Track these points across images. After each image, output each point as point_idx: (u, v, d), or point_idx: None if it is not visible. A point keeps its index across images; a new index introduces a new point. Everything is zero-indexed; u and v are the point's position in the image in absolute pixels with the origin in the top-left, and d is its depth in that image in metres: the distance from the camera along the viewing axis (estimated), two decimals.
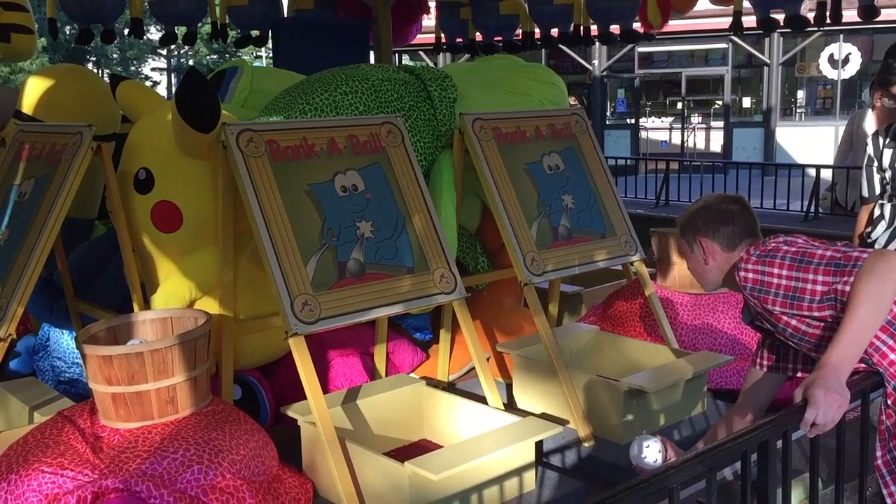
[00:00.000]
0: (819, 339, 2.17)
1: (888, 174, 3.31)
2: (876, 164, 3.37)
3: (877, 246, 3.35)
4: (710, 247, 2.40)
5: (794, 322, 2.19)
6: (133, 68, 31.46)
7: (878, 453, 2.14)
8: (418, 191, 3.14)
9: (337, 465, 2.52)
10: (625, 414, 3.05)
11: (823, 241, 2.27)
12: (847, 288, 1.98)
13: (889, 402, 2.11)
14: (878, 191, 3.38)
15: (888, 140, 3.32)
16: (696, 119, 19.11)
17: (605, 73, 18.39)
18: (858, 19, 5.39)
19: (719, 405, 3.37)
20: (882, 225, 3.35)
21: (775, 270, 2.15)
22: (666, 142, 18.85)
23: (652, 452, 2.41)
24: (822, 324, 2.14)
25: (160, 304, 2.96)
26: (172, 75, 31.89)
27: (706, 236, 2.40)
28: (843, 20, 5.45)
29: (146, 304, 3.06)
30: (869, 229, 3.39)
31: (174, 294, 2.96)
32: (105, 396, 2.38)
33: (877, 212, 3.38)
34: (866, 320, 1.93)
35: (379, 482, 2.52)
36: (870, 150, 3.39)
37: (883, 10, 5.42)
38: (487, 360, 3.59)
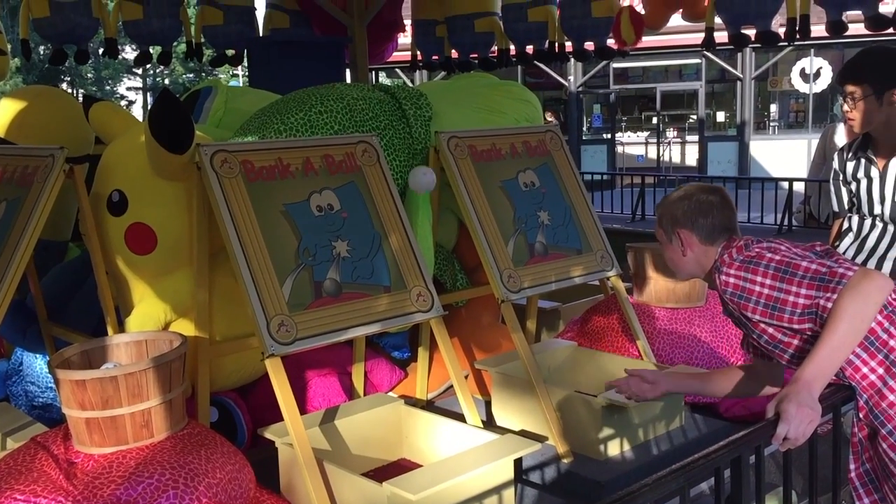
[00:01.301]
0: (795, 350, 2.18)
1: (853, 187, 3.36)
2: (841, 177, 3.42)
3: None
4: (688, 238, 2.37)
5: (770, 330, 2.19)
6: (108, 87, 31.31)
7: (852, 466, 2.15)
8: (394, 209, 3.15)
9: (315, 486, 2.50)
10: (603, 429, 3.05)
11: (805, 246, 2.27)
12: (829, 304, 1.98)
13: (861, 415, 2.13)
14: (846, 205, 3.43)
15: (850, 154, 3.37)
16: (671, 133, 19.30)
17: (580, 89, 18.53)
18: (828, 34, 5.48)
19: (697, 419, 3.39)
20: (849, 237, 3.39)
21: (758, 279, 2.14)
22: (642, 156, 19.01)
23: None
24: (800, 336, 2.15)
25: (135, 326, 2.93)
26: (148, 94, 31.77)
27: (685, 227, 2.37)
28: (813, 35, 5.54)
29: (121, 327, 3.03)
30: (838, 242, 3.43)
31: (149, 316, 2.94)
32: (79, 421, 2.35)
33: (845, 224, 3.43)
34: (844, 339, 1.93)
35: (357, 503, 2.50)
36: (835, 164, 3.44)
37: (851, 25, 5.50)
38: (466, 377, 3.59)
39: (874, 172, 3.27)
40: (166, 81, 31.58)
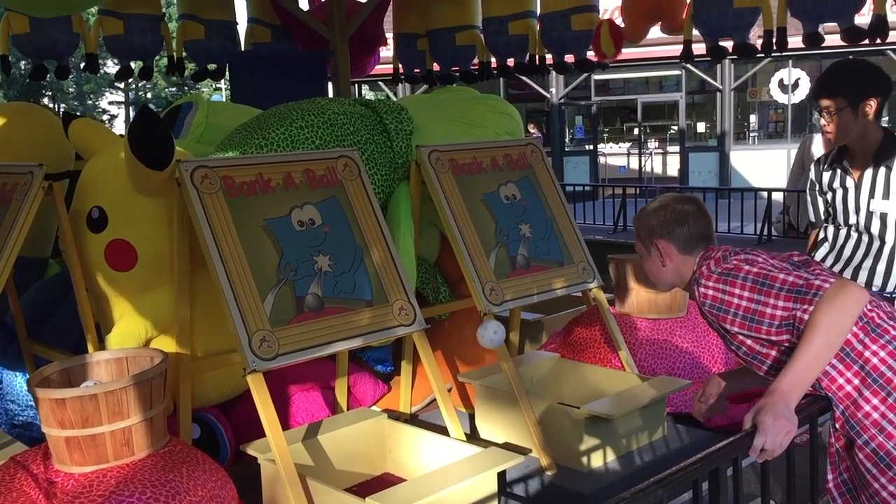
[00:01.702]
0: (773, 362, 2.20)
1: (829, 197, 3.40)
2: (818, 187, 3.46)
3: None
4: (666, 248, 2.39)
5: (749, 342, 2.21)
6: (90, 102, 31.19)
7: (829, 476, 2.17)
8: (376, 223, 3.15)
9: (297, 502, 2.49)
10: (586, 441, 3.06)
11: (782, 256, 2.29)
12: (806, 316, 2.00)
13: (837, 425, 2.14)
14: (822, 215, 3.47)
15: (826, 164, 3.42)
16: (653, 144, 19.42)
17: (562, 101, 18.63)
18: (804, 46, 5.55)
19: (680, 429, 3.40)
20: (825, 247, 3.43)
21: (736, 290, 2.15)
22: (624, 167, 19.11)
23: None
24: (778, 348, 2.16)
25: (115, 343, 2.92)
26: (131, 108, 31.66)
27: (662, 238, 2.39)
28: (790, 47, 5.60)
29: (101, 345, 3.01)
30: (814, 252, 3.47)
31: (129, 333, 2.93)
32: (58, 440, 2.33)
33: (821, 234, 3.47)
34: (820, 351, 1.95)
35: None
36: (812, 175, 3.48)
37: (827, 37, 5.57)
38: (449, 390, 3.59)
39: (849, 183, 3.31)
40: (149, 95, 31.50)
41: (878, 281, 3.27)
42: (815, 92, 3.28)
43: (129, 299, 3.00)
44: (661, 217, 2.40)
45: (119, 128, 29.59)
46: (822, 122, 3.23)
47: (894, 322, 2.14)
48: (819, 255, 3.43)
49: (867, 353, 2.10)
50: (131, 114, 31.68)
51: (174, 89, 30.92)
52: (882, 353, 2.08)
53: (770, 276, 2.12)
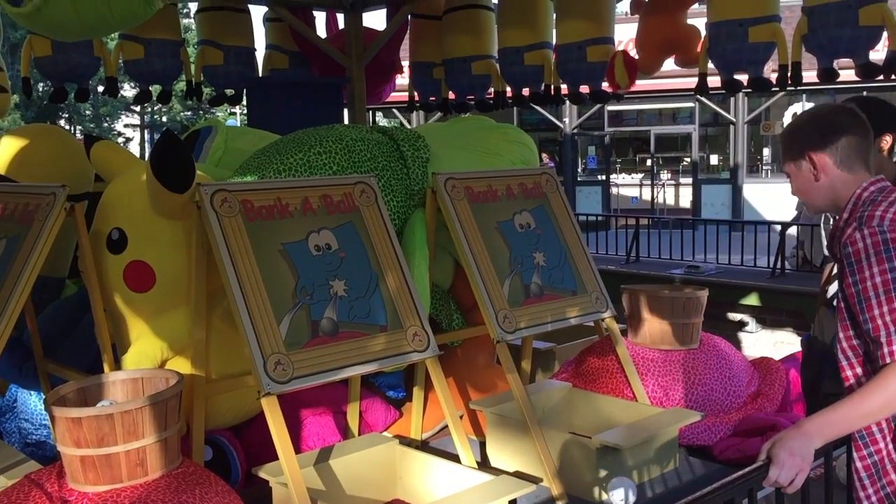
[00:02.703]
0: (854, 378, 2.05)
1: None
2: (832, 222, 3.47)
3: (836, 301, 3.42)
4: (820, 160, 2.13)
5: (849, 332, 2.05)
6: (106, 125, 31.51)
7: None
8: (391, 249, 3.17)
9: None
10: (598, 471, 3.05)
11: None
12: (889, 358, 1.81)
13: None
14: None
15: None
16: (665, 175, 19.44)
17: (575, 131, 18.70)
18: (819, 81, 5.57)
19: (692, 461, 3.39)
20: (838, 282, 3.42)
21: (884, 266, 1.91)
22: (636, 198, 19.13)
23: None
24: (864, 365, 2.00)
25: (131, 364, 2.94)
26: (146, 132, 31.96)
27: (816, 149, 2.13)
28: (805, 81, 5.63)
29: (117, 365, 3.03)
30: (828, 286, 3.47)
31: (145, 354, 2.95)
32: (73, 459, 2.35)
33: (835, 269, 3.46)
34: (872, 412, 1.82)
35: None
36: None
37: (842, 72, 5.59)
38: (461, 417, 3.59)
39: None
40: (164, 119, 31.81)
41: None
42: None
43: (146, 320, 3.02)
44: (816, 125, 2.15)
45: (134, 150, 29.87)
46: None
47: None
48: (832, 290, 3.43)
49: None
50: (146, 137, 31.98)
51: (189, 113, 31.22)
52: None
53: None
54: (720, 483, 1.64)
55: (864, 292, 1.92)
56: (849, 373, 2.09)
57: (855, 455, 2.02)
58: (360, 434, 3.36)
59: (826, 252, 3.55)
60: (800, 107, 16.89)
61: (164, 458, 2.42)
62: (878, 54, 5.02)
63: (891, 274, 1.89)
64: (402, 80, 8.26)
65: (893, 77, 5.10)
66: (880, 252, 1.91)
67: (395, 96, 9.08)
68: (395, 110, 18.47)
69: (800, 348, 4.03)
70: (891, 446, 1.96)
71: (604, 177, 19.20)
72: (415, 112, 9.42)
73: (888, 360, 1.83)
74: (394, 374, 3.73)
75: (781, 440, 1.79)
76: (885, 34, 4.98)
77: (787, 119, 17.21)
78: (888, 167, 3.23)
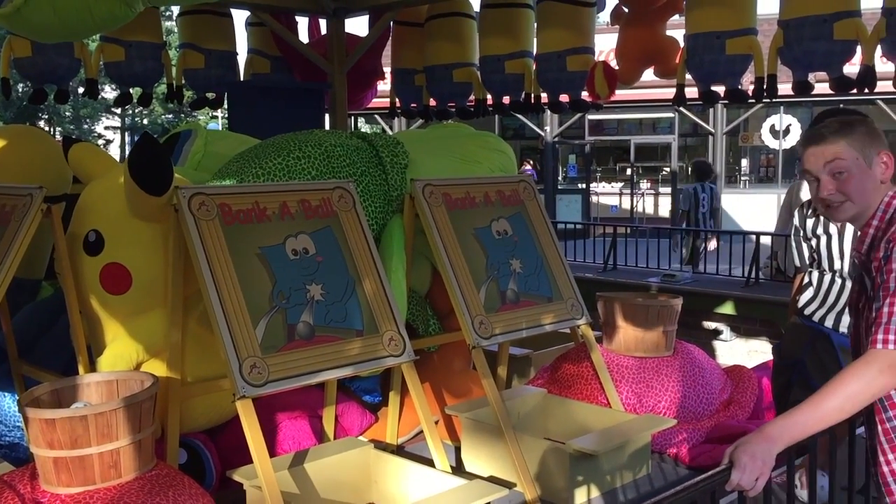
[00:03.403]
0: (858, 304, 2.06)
1: (813, 242, 3.46)
2: (802, 233, 3.53)
3: (807, 311, 3.47)
4: (891, 163, 2.06)
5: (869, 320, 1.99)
6: (86, 126, 31.25)
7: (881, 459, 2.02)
8: (368, 255, 3.19)
9: None
10: (571, 476, 3.08)
11: None
12: (876, 345, 1.82)
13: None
14: (807, 260, 3.53)
15: (810, 211, 3.49)
16: (644, 185, 19.56)
17: (556, 139, 18.79)
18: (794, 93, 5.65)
19: (663, 467, 3.42)
20: (810, 291, 3.48)
21: None
22: (616, 206, 19.23)
23: None
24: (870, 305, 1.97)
25: (106, 366, 2.93)
26: (126, 134, 31.75)
27: (889, 151, 2.05)
28: (781, 94, 5.71)
29: (92, 367, 3.03)
30: (799, 296, 3.53)
31: (121, 356, 2.94)
32: (46, 461, 2.34)
33: (805, 279, 3.53)
34: (829, 415, 1.83)
35: None
36: (796, 220, 3.55)
37: (817, 85, 5.67)
38: (436, 422, 3.61)
39: (833, 229, 3.37)
40: (145, 122, 31.61)
41: None
42: (803, 141, 3.35)
43: (122, 322, 3.02)
44: (873, 129, 2.08)
45: (114, 153, 29.67)
46: None
47: None
48: (803, 300, 3.49)
49: None
50: (126, 139, 31.77)
51: (171, 116, 31.05)
52: None
53: None
54: (683, 486, 1.67)
55: (886, 282, 1.89)
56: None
57: (875, 419, 2.02)
58: (335, 438, 3.38)
59: (797, 263, 3.61)
60: (777, 119, 17.08)
61: (137, 461, 2.43)
62: (853, 68, 5.10)
63: None
64: (384, 86, 8.29)
65: (867, 91, 5.18)
66: None
67: (376, 102, 9.11)
68: (376, 116, 18.49)
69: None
70: None
71: (584, 185, 19.29)
72: (396, 118, 9.44)
73: (871, 348, 1.84)
74: (370, 379, 3.75)
75: (744, 444, 1.81)
76: (858, 48, 5.08)
77: (765, 130, 17.40)
78: None
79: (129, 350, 2.97)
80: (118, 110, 30.59)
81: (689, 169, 12.73)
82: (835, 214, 2.13)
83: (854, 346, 2.20)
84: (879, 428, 2.03)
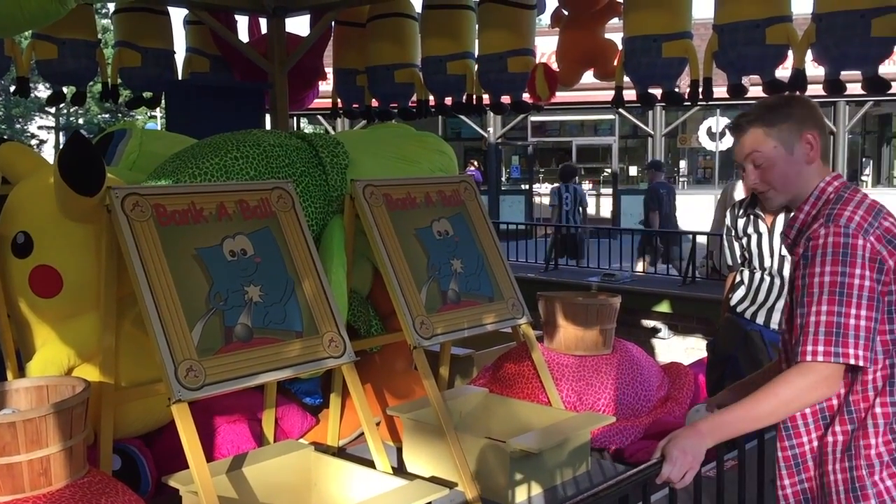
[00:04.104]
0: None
1: (744, 241, 3.55)
2: (733, 232, 3.62)
3: (739, 308, 3.56)
4: (816, 143, 1.97)
5: (795, 322, 1.95)
6: (18, 126, 30.40)
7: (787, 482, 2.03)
8: (308, 255, 3.17)
9: None
10: (512, 474, 3.10)
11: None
12: (804, 357, 1.81)
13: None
14: (738, 258, 3.62)
15: (741, 211, 3.58)
16: (586, 186, 19.80)
17: (499, 141, 18.91)
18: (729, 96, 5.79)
19: (603, 464, 3.47)
20: (741, 290, 3.58)
21: (837, 268, 1.85)
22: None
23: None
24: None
25: (36, 371, 2.86)
26: (61, 134, 30.94)
27: (814, 129, 1.97)
28: (716, 96, 5.84)
29: (21, 372, 2.95)
30: (731, 294, 3.61)
31: (51, 361, 2.87)
32: None
33: (737, 278, 3.62)
34: (762, 417, 1.85)
35: None
36: (728, 221, 3.65)
37: (751, 88, 5.82)
38: (378, 423, 3.60)
39: (762, 228, 3.47)
40: (80, 121, 30.87)
41: None
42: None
43: (53, 326, 2.94)
44: (805, 105, 2.01)
45: (48, 153, 28.89)
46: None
47: None
48: (736, 298, 3.57)
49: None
50: (61, 139, 30.95)
51: (107, 116, 30.37)
52: None
53: (869, 296, 1.85)
54: (615, 480, 1.69)
55: (809, 287, 1.88)
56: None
57: (777, 445, 2.04)
58: (275, 441, 3.34)
59: (729, 262, 3.70)
60: (714, 121, 17.45)
61: (68, 468, 2.37)
62: (785, 71, 5.25)
63: (839, 278, 1.85)
64: (326, 86, 8.24)
65: (798, 93, 5.33)
66: (837, 253, 1.87)
67: (318, 103, 9.04)
68: (319, 116, 18.36)
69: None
70: (815, 443, 1.98)
71: (527, 186, 19.46)
72: (339, 119, 9.39)
73: (801, 359, 1.84)
74: (310, 381, 3.72)
75: (675, 438, 1.84)
76: (790, 52, 5.22)
77: (702, 133, 17.78)
78: None
79: (59, 355, 2.89)
80: (52, 110, 29.80)
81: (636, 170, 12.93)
82: (766, 203, 2.10)
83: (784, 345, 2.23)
84: (780, 454, 2.03)
